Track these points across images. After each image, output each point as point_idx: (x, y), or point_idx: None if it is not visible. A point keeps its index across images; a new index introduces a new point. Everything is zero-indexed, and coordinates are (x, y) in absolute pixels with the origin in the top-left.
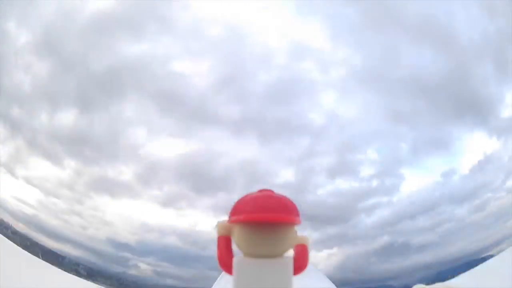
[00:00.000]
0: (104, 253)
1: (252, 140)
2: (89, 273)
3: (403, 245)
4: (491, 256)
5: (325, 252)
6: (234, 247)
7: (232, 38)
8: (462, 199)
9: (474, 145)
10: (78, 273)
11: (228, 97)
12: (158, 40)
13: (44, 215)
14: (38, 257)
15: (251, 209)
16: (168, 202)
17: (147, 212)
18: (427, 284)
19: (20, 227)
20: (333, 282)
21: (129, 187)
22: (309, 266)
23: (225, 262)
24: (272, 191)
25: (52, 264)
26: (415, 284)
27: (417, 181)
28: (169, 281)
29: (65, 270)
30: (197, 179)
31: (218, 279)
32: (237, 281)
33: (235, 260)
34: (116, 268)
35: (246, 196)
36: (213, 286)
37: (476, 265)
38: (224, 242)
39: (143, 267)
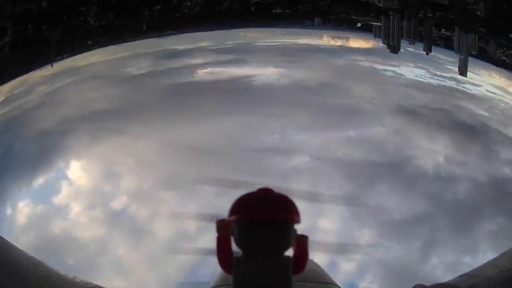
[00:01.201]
0: None
1: None
2: None
3: None
4: None
5: None
6: (234, 246)
7: None
8: None
9: None
10: None
11: None
12: None
13: None
14: None
15: (251, 208)
16: None
17: None
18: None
19: None
20: None
21: None
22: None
23: (225, 262)
24: (271, 189)
25: None
26: None
27: None
28: None
29: None
30: None
31: (214, 277)
32: (237, 280)
33: (235, 260)
34: None
35: (245, 194)
36: (211, 285)
37: None
38: (224, 242)
39: None
